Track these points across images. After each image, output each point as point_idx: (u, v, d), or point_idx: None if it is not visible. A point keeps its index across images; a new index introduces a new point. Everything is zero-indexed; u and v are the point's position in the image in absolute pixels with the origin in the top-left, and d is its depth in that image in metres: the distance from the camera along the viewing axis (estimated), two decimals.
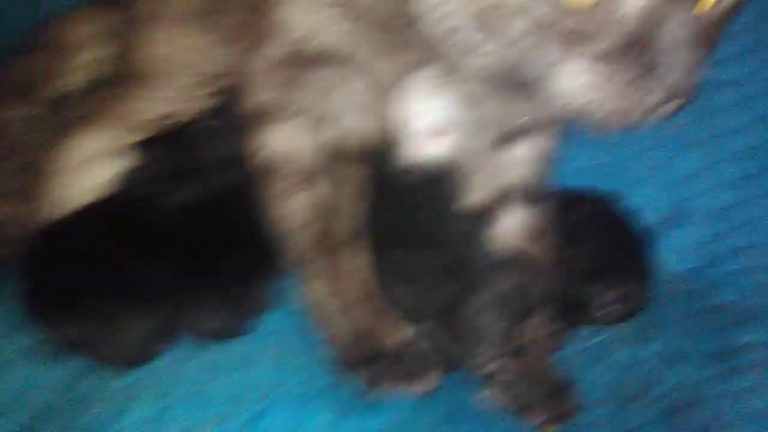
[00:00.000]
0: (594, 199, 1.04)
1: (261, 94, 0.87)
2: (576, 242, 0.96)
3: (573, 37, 0.62)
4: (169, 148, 0.95)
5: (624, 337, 0.89)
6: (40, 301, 0.85)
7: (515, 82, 0.69)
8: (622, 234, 1.00)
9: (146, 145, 0.95)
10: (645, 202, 1.06)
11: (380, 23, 0.80)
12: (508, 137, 0.92)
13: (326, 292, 0.83)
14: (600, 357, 0.87)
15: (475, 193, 0.93)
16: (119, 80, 1.02)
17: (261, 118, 0.87)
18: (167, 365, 0.81)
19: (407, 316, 0.81)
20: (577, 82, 0.64)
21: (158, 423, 0.71)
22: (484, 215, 0.93)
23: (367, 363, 0.78)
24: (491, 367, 0.76)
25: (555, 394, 0.80)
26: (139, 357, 0.81)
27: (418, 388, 0.77)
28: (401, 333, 0.81)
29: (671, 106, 0.65)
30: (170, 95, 0.99)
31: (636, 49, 0.61)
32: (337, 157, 0.85)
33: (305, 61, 0.84)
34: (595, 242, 0.97)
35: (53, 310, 0.83)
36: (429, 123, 0.90)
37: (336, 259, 0.83)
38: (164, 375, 0.79)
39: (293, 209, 0.85)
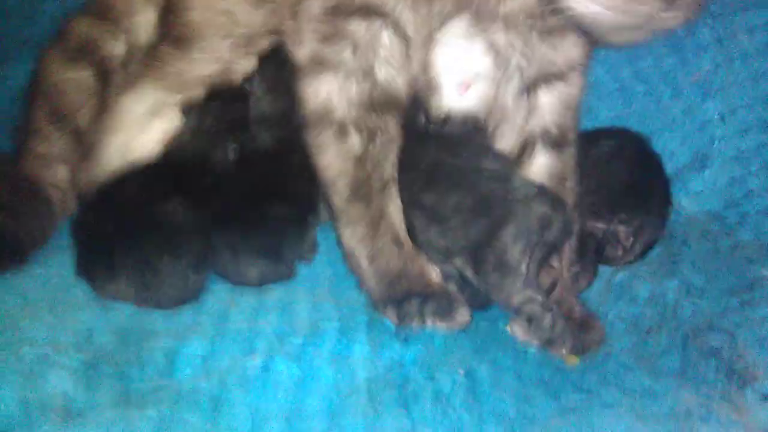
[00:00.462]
0: (619, 136, 1.09)
1: (304, 47, 0.91)
2: (596, 178, 1.01)
3: None
4: (220, 106, 1.00)
5: (644, 273, 0.93)
6: (84, 260, 0.91)
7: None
8: (641, 171, 1.05)
9: (197, 105, 1.00)
10: (664, 150, 1.10)
11: None
12: (532, 85, 0.96)
13: (360, 238, 0.88)
14: (622, 293, 0.92)
15: (504, 139, 0.98)
16: (162, 44, 1.07)
17: (304, 71, 0.91)
18: (213, 308, 0.87)
19: (439, 256, 0.86)
20: None
21: (210, 357, 0.77)
22: (513, 160, 0.97)
23: (398, 303, 0.84)
24: (519, 299, 0.80)
25: (579, 328, 0.85)
26: (182, 297, 0.87)
27: (448, 324, 0.83)
28: (430, 275, 0.87)
29: (674, 16, 0.69)
30: (211, 56, 1.04)
31: None
32: (372, 109, 0.89)
33: (345, 13, 0.88)
34: (614, 178, 1.02)
35: (96, 268, 0.89)
36: (459, 73, 0.95)
37: (369, 207, 0.88)
38: (211, 316, 0.85)
39: (331, 159, 0.89)
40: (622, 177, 1.03)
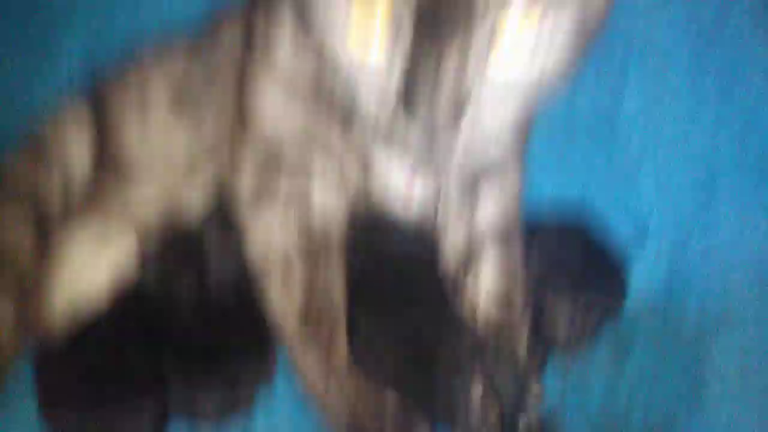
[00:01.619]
0: (563, 215, 1.11)
1: (242, 183, 0.92)
2: (546, 259, 1.03)
3: None
4: (181, 241, 1.01)
5: (598, 361, 0.96)
6: (43, 398, 0.90)
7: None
8: (591, 251, 1.07)
9: (144, 244, 1.00)
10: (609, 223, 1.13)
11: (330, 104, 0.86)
12: (473, 180, 0.97)
13: (314, 375, 0.88)
14: (578, 385, 0.94)
15: (453, 234, 0.99)
16: (101, 174, 1.07)
17: (244, 204, 0.92)
18: None
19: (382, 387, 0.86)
20: None
21: None
22: (461, 264, 0.99)
23: None
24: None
25: None
26: None
27: None
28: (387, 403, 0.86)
29: None
30: (153, 185, 1.05)
31: None
32: (313, 241, 0.90)
33: (279, 143, 0.89)
34: (565, 258, 1.04)
35: (52, 408, 0.88)
36: (396, 185, 0.96)
37: (319, 334, 0.88)
38: None
39: (277, 296, 0.90)
40: (573, 254, 1.05)
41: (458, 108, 0.68)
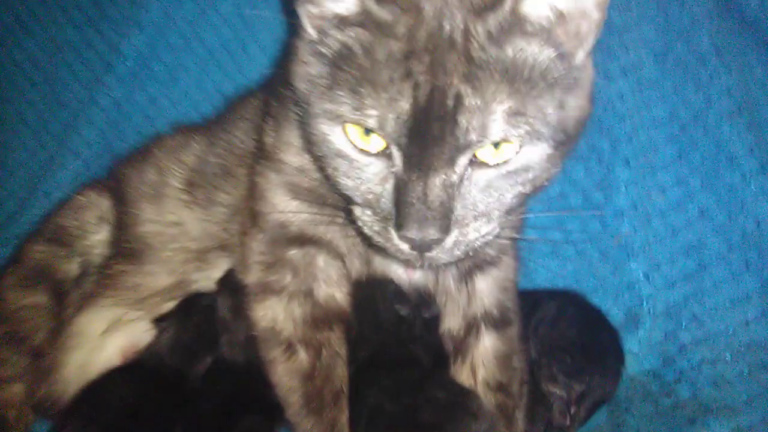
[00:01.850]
0: (560, 296, 1.15)
1: (250, 275, 0.97)
2: (545, 340, 1.07)
3: None
4: (200, 322, 1.04)
5: None
6: None
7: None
8: (588, 329, 1.10)
9: (173, 319, 1.05)
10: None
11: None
12: (468, 272, 1.02)
13: None
14: None
15: (451, 320, 1.03)
16: (115, 260, 1.11)
17: (251, 295, 0.97)
18: None
19: None
20: None
21: None
22: (459, 342, 1.02)
23: None
24: None
25: None
26: None
27: None
28: None
29: None
30: (165, 269, 1.09)
31: None
32: (316, 326, 0.94)
33: (283, 244, 0.95)
34: (563, 339, 1.07)
35: None
36: (396, 273, 1.02)
37: (321, 419, 0.91)
38: None
39: (281, 375, 0.94)
40: (570, 337, 1.08)
41: (445, 226, 0.73)
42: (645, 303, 1.15)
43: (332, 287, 0.96)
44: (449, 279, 1.03)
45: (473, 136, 0.70)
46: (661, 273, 1.17)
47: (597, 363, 1.06)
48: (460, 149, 0.71)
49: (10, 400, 1.09)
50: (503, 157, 0.73)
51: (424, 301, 1.02)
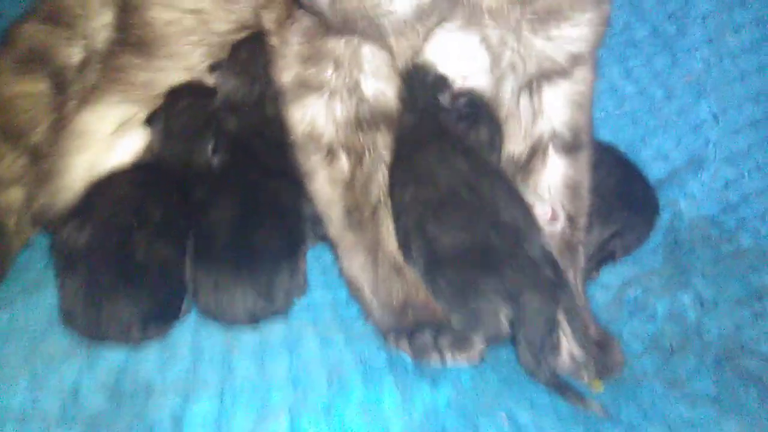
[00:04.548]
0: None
1: (287, 71, 0.85)
2: None
3: None
4: (188, 107, 0.92)
5: (656, 287, 0.91)
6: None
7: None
8: (623, 179, 1.02)
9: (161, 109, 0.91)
10: (657, 153, 1.08)
11: None
12: (535, 84, 0.90)
13: (359, 267, 0.82)
14: (635, 309, 0.90)
15: (511, 143, 0.91)
16: (123, 51, 0.96)
17: (288, 95, 0.85)
18: (213, 351, 0.79)
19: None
20: None
21: (223, 419, 0.69)
22: (522, 168, 0.91)
23: (409, 335, 0.78)
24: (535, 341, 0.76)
25: (598, 350, 0.82)
26: (127, 337, 0.79)
27: (468, 356, 0.78)
28: (435, 304, 0.81)
29: None
30: (180, 65, 0.95)
31: None
32: (360, 127, 0.84)
33: (322, 32, 0.82)
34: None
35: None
36: (454, 70, 0.89)
37: (364, 234, 0.82)
38: (213, 364, 0.77)
39: (321, 185, 0.84)
40: (608, 184, 0.99)
41: None
42: (711, 146, 1.07)
43: (381, 81, 0.84)
44: (506, 94, 0.90)
45: None
46: (728, 118, 1.08)
47: (631, 209, 0.99)
48: None
49: (10, 205, 0.97)
50: None
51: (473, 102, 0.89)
